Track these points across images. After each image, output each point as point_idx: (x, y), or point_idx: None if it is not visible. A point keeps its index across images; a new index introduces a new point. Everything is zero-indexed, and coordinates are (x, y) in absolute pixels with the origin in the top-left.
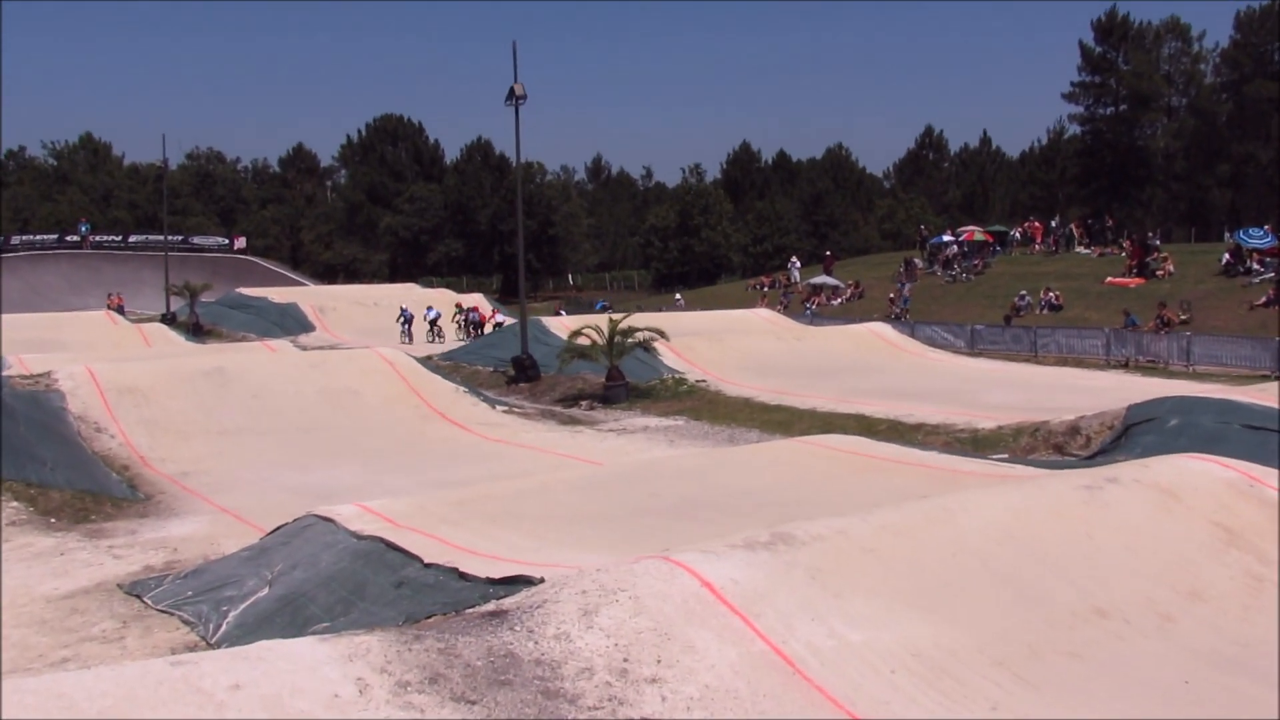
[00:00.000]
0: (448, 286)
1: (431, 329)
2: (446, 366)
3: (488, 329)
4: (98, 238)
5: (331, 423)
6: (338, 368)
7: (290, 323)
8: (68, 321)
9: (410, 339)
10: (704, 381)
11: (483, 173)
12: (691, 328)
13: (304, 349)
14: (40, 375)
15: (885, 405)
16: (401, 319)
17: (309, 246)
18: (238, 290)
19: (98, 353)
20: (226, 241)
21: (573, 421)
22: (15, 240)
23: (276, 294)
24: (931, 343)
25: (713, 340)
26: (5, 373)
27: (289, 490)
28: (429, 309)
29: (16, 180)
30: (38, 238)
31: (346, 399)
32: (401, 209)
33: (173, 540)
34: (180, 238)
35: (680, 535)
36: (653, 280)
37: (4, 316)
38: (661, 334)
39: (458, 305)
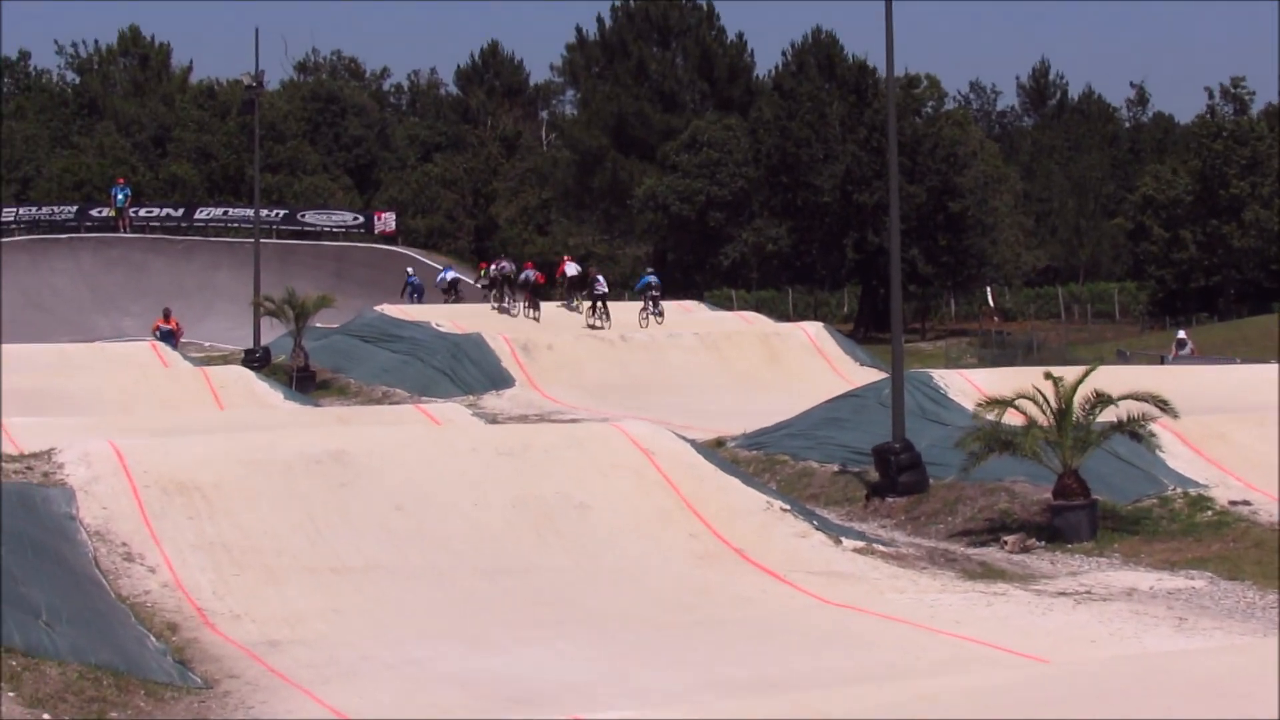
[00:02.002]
0: (760, 308)
1: (450, 292)
2: (751, 458)
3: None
4: (143, 211)
5: (537, 560)
6: (551, 458)
7: (470, 370)
8: (85, 359)
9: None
10: (1246, 503)
11: (825, 94)
12: (1217, 396)
13: (493, 419)
14: (35, 457)
15: None
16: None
17: (508, 230)
18: (378, 309)
19: (133, 418)
20: (360, 220)
21: (989, 573)
22: (6, 214)
23: (448, 316)
24: None
25: (1265, 423)
26: None
27: (458, 683)
28: (445, 269)
29: (13, 112)
30: (41, 211)
31: (565, 517)
32: (675, 162)
33: None
34: (282, 213)
35: None
36: (1149, 301)
37: None
38: (1165, 407)
39: (482, 267)
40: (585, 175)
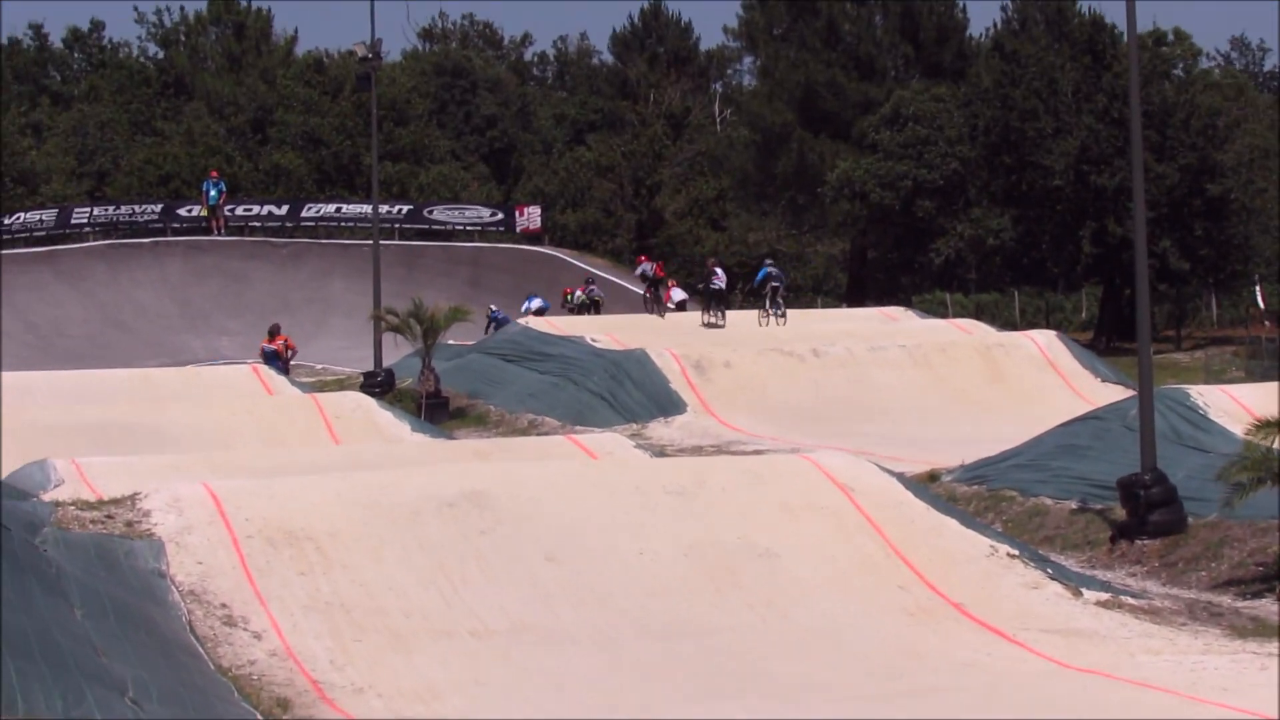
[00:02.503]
0: (980, 314)
1: None
2: (971, 495)
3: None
4: (240, 209)
5: (715, 619)
6: (730, 498)
7: (632, 393)
8: (175, 386)
9: None
10: None
11: (1054, 57)
12: None
13: (661, 452)
14: (116, 503)
15: None
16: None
17: (676, 226)
18: (521, 322)
19: (233, 456)
20: (499, 215)
21: (1263, 630)
22: (79, 215)
23: (605, 329)
24: None
25: None
26: (45, 495)
27: None
28: (529, 298)
29: (86, 93)
30: (119, 211)
31: (748, 567)
32: (875, 140)
33: None
34: (406, 208)
35: None
36: None
37: (36, 372)
38: None
39: (566, 293)
40: (767, 158)
